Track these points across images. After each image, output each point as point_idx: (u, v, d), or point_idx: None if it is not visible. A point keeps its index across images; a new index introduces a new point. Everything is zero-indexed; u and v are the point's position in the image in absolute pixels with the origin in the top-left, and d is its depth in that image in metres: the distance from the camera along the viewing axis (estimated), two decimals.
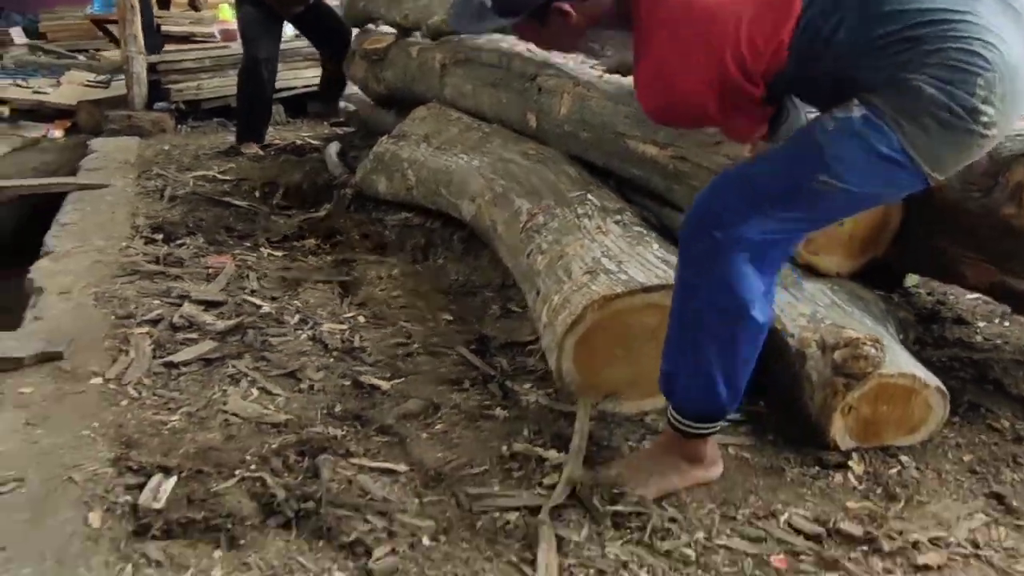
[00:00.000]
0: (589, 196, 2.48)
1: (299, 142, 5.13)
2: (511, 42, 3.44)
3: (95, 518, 1.55)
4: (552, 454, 1.80)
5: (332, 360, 2.25)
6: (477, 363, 2.25)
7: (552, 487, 1.69)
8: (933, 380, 1.81)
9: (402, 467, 1.76)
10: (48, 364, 2.13)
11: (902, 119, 1.43)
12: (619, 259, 2.04)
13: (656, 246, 2.13)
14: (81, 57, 8.90)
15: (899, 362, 1.81)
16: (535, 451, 1.82)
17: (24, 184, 3.91)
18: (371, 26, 4.78)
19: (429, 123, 3.61)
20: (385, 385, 2.13)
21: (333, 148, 4.73)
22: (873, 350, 1.76)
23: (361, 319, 2.52)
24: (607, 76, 2.87)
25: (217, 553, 1.49)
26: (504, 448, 1.84)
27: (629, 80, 2.82)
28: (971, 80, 1.40)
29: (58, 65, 7.81)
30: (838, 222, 1.83)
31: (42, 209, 4.25)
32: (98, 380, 2.07)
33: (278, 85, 5.73)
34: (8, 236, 4.54)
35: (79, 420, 1.88)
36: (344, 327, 2.45)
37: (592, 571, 1.47)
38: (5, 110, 5.96)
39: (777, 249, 1.59)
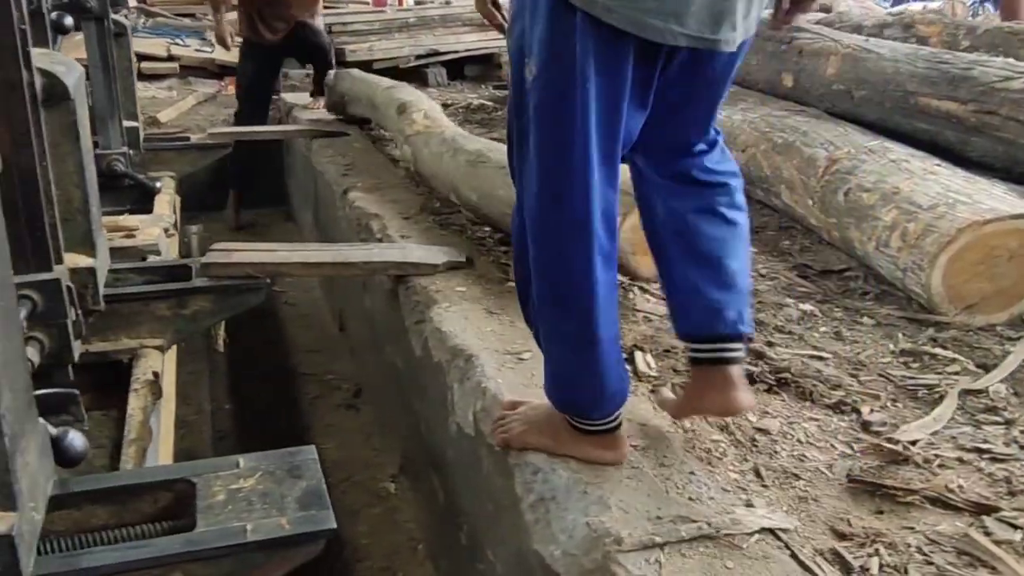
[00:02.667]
0: (886, 144, 2.80)
1: (474, 103, 5.44)
2: None
3: None
4: (939, 351, 2.14)
5: None
6: (808, 285, 2.58)
7: (955, 374, 2.03)
8: None
9: (825, 354, 2.10)
10: (456, 271, 2.47)
11: None
12: (967, 192, 2.36)
13: (992, 184, 2.46)
14: (186, 20, 9.19)
15: None
16: (922, 349, 2.15)
17: (271, 130, 4.24)
18: None
19: None
20: None
21: None
22: None
23: None
24: (872, 39, 3.20)
25: None
26: (891, 345, 2.18)
27: (899, 43, 3.14)
28: None
29: (185, 27, 8.11)
30: None
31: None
32: (511, 283, 2.41)
33: (441, 48, 6.05)
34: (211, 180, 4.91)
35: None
36: None
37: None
38: (176, 66, 6.29)
39: None
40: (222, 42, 4.94)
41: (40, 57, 2.04)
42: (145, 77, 6.08)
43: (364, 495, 2.78)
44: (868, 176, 2.64)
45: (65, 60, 2.16)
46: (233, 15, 4.99)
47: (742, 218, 1.63)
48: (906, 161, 2.64)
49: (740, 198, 1.64)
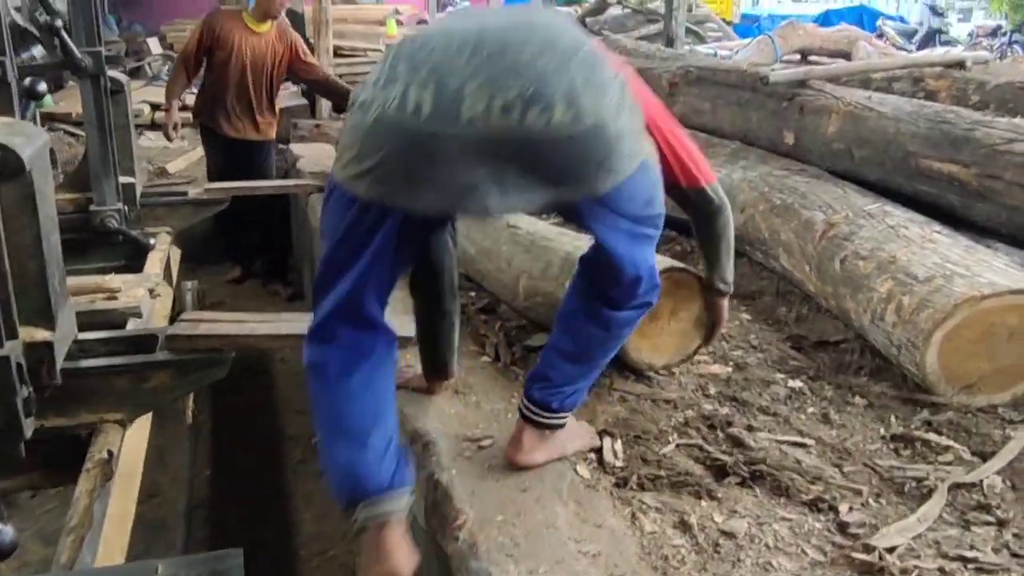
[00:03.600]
0: (886, 208, 2.68)
1: None
2: (744, 61, 3.68)
3: (583, 471, 1.78)
4: (932, 437, 2.00)
5: None
6: (801, 358, 2.45)
7: (947, 464, 1.89)
8: None
9: (808, 441, 1.97)
10: None
11: None
12: (966, 264, 2.23)
13: (994, 255, 2.33)
14: None
15: None
16: (915, 434, 2.01)
17: (268, 185, 4.21)
18: None
19: None
20: (729, 372, 2.34)
21: None
22: None
23: None
24: (875, 96, 3.09)
25: (703, 502, 1.70)
26: (882, 430, 2.04)
27: (904, 100, 3.03)
28: None
29: None
30: None
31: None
32: (485, 357, 2.32)
33: None
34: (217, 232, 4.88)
35: (500, 392, 2.11)
36: None
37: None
38: (190, 115, 6.32)
39: None
40: (165, 132, 4.79)
41: None
42: (157, 127, 6.12)
43: (338, 571, 2.68)
44: (865, 243, 2.52)
45: (27, 130, 2.12)
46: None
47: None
48: (904, 227, 2.52)
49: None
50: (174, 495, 2.90)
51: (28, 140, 2.06)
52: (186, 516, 2.84)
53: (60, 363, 2.14)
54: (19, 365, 1.94)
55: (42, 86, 2.41)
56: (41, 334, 2.11)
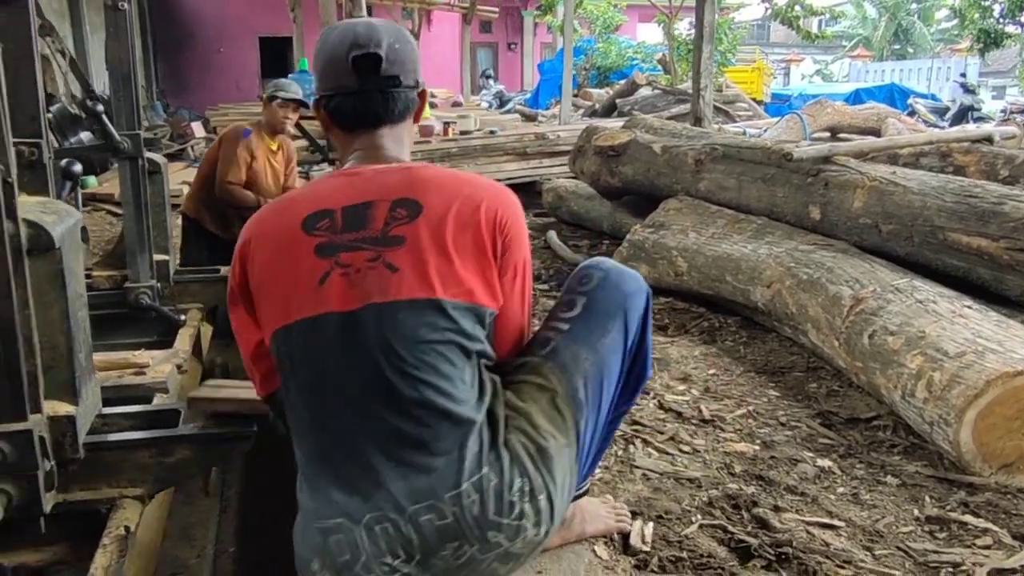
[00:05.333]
0: (915, 282, 2.64)
1: None
2: (773, 139, 3.69)
3: (601, 551, 1.73)
4: (970, 519, 1.92)
5: (695, 427, 2.42)
6: (832, 436, 2.39)
7: (985, 548, 1.81)
8: None
9: (838, 522, 1.90)
10: None
11: None
12: (998, 339, 2.18)
13: None
14: None
15: None
16: (951, 516, 1.94)
17: None
18: (596, 123, 5.13)
19: (688, 215, 3.85)
20: (756, 450, 2.28)
21: (555, 236, 5.03)
22: None
23: (695, 392, 2.69)
24: (900, 171, 3.08)
25: None
26: (916, 511, 1.97)
27: (930, 175, 3.01)
28: None
29: None
30: None
31: None
32: None
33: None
34: None
35: None
36: (685, 399, 2.63)
37: None
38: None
39: None
40: None
41: (32, 206, 2.07)
42: None
43: None
44: (893, 318, 2.47)
45: (59, 208, 2.18)
46: None
47: None
48: (934, 302, 2.47)
49: None
50: (201, 572, 2.86)
51: (59, 218, 2.12)
52: None
53: (83, 437, 2.16)
54: (42, 439, 1.96)
55: (77, 167, 2.50)
56: (65, 408, 2.13)
